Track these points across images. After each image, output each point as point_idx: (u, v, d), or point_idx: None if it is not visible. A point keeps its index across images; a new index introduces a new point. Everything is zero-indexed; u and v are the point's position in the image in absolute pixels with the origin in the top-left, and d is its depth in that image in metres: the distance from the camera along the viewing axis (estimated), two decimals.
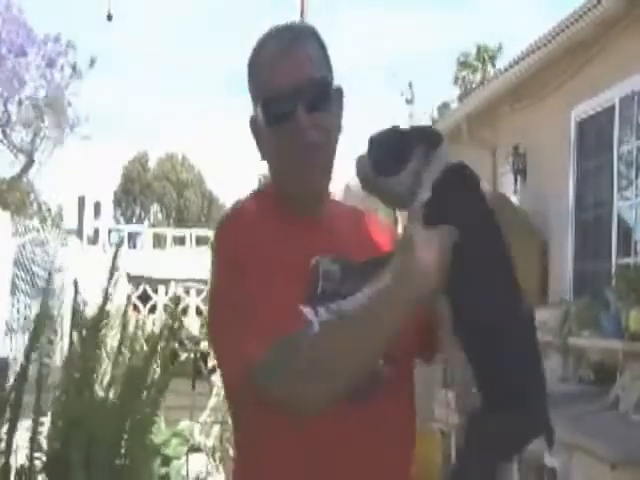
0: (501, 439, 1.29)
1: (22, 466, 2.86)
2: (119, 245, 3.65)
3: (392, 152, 1.34)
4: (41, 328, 2.82)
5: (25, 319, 6.70)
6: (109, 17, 14.66)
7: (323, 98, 1.47)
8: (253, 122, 1.53)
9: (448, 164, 1.37)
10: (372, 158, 1.35)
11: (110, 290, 2.98)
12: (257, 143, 1.54)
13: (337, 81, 1.54)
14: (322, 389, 1.31)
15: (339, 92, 1.55)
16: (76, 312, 2.88)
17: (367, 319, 1.31)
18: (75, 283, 2.93)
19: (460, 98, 17.75)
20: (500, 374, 1.29)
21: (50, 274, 6.53)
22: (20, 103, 19.55)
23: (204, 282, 11.56)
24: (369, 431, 1.41)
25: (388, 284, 1.31)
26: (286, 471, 1.41)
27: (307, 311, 1.38)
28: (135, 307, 12.15)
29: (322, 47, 1.52)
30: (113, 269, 3.03)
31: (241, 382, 1.37)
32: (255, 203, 1.54)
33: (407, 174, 1.34)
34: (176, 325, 2.85)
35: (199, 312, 12.47)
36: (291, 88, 1.43)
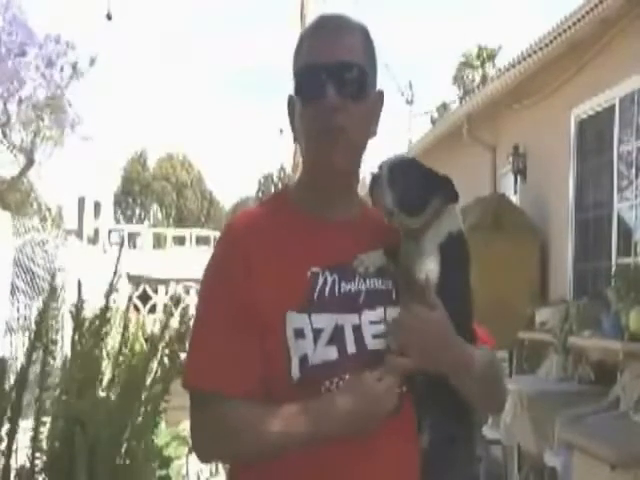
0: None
1: (22, 466, 2.86)
2: (121, 246, 3.65)
3: (416, 194, 1.48)
4: (43, 328, 2.82)
5: (25, 319, 6.70)
6: (109, 16, 14.67)
7: (357, 86, 1.45)
8: (290, 100, 1.53)
9: (453, 230, 1.52)
10: (398, 194, 1.47)
11: (112, 291, 2.98)
12: (291, 123, 1.54)
13: None
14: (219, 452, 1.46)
15: (380, 95, 1.54)
16: (78, 312, 2.88)
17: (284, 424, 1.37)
18: (78, 284, 2.93)
19: (461, 98, 17.75)
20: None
21: (51, 274, 6.53)
22: (20, 103, 19.55)
23: None
24: (373, 449, 1.41)
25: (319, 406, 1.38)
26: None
27: (301, 317, 1.40)
28: (135, 307, 12.14)
29: (369, 45, 1.51)
30: (116, 271, 3.04)
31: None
32: (264, 207, 1.56)
33: (422, 218, 1.49)
34: (182, 329, 2.86)
35: None
36: (325, 64, 1.43)
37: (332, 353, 1.41)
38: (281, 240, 1.46)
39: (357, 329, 1.43)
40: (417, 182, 1.47)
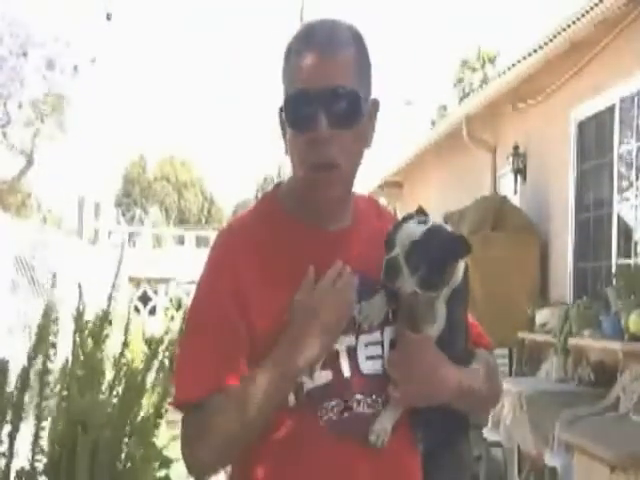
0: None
1: (22, 468, 2.86)
2: (122, 248, 3.67)
3: (437, 273, 1.40)
4: (46, 330, 2.82)
5: (25, 320, 6.69)
6: (108, 17, 14.68)
7: (351, 114, 1.37)
8: (281, 112, 1.44)
9: (459, 280, 1.46)
10: (421, 279, 1.38)
11: (113, 293, 2.99)
12: (282, 133, 1.46)
13: None
14: (205, 454, 1.37)
15: (375, 105, 1.45)
16: (79, 314, 2.88)
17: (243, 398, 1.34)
18: (79, 287, 2.93)
19: (461, 99, 17.75)
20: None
21: (52, 275, 6.53)
22: (20, 103, 19.55)
23: None
24: (368, 462, 1.40)
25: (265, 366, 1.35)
26: None
27: None
28: (135, 308, 12.14)
29: (363, 53, 1.42)
30: (118, 273, 3.04)
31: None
32: (256, 214, 1.51)
33: (441, 287, 1.43)
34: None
35: None
36: (316, 91, 1.34)
37: (327, 377, 1.39)
38: (274, 259, 1.41)
39: (352, 351, 1.41)
40: (437, 260, 1.38)
